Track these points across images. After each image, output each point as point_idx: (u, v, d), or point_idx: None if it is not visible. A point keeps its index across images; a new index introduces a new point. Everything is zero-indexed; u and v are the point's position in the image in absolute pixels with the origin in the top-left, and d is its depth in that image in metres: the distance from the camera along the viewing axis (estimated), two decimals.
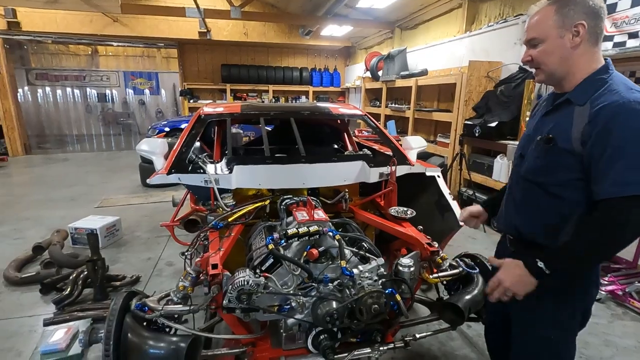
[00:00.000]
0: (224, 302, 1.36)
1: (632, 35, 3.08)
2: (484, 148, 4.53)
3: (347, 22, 7.77)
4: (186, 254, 1.74)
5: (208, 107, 2.59)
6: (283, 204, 1.92)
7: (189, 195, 2.59)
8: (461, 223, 1.78)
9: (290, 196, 1.97)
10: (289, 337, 1.59)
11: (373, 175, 2.16)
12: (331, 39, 9.42)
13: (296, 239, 1.57)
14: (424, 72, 5.86)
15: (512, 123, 4.05)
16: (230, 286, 1.35)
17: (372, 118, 2.67)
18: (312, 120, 2.91)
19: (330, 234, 1.61)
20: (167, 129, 6.96)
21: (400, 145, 2.54)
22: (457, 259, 1.82)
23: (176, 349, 1.34)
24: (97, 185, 5.95)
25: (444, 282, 1.79)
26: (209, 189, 2.01)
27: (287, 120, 2.40)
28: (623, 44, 3.17)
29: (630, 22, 3.08)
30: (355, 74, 9.76)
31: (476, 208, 1.63)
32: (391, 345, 1.62)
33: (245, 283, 1.34)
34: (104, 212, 4.31)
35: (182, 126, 7.35)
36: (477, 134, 4.28)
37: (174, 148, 2.20)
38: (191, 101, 9.60)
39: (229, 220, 1.82)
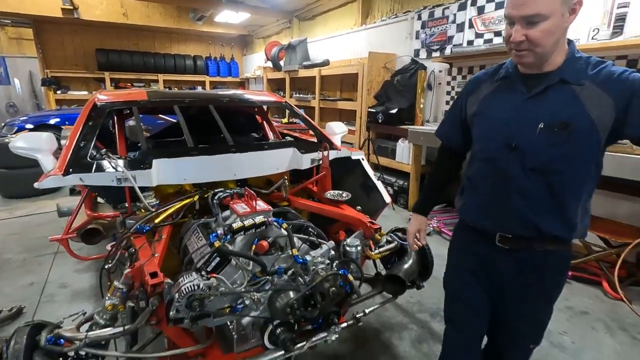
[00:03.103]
0: (172, 313, 1.18)
1: (497, 34, 3.71)
2: (386, 133, 4.92)
3: (243, 9, 7.46)
4: (106, 267, 1.45)
5: (102, 95, 2.19)
6: (216, 198, 1.76)
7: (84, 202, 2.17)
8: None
9: (222, 189, 1.81)
10: (241, 339, 1.48)
11: (305, 161, 2.14)
12: (227, 26, 8.94)
13: (242, 232, 1.46)
14: (326, 63, 6.04)
15: (409, 109, 4.49)
16: (177, 294, 1.18)
17: (293, 105, 2.64)
18: (230, 109, 2.72)
19: (276, 223, 1.54)
20: (29, 126, 5.71)
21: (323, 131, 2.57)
22: (391, 234, 1.95)
23: None
24: None
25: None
26: (120, 190, 1.71)
27: (201, 109, 2.18)
28: (490, 40, 3.79)
29: (495, 22, 3.69)
30: (255, 63, 9.51)
31: (419, 223, 1.48)
32: (345, 325, 1.65)
33: (196, 287, 1.19)
34: None
35: (51, 122, 6.10)
36: (380, 121, 4.63)
37: (66, 144, 1.80)
38: (58, 92, 8.03)
39: (156, 221, 1.58)
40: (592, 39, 2.88)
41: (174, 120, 3.22)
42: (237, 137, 2.65)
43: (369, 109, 4.80)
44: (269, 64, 7.68)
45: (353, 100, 5.40)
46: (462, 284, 1.33)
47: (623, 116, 1.00)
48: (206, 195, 1.80)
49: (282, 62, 7.09)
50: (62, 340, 1.17)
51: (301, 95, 6.65)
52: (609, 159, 2.34)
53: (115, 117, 2.28)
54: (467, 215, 1.30)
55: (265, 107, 2.88)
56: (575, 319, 2.35)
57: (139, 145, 2.62)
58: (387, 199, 2.27)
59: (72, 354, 1.16)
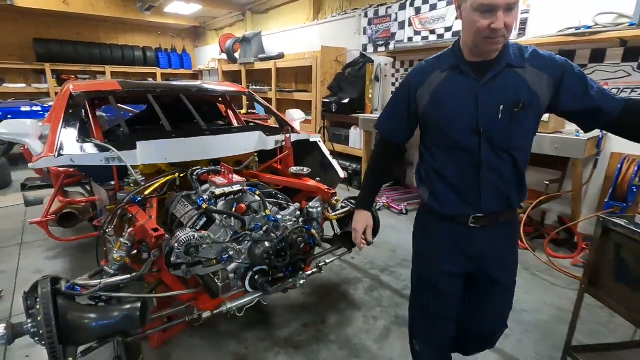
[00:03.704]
0: (173, 258, 1.47)
1: (432, 32, 4.24)
2: (340, 121, 5.34)
3: (194, 0, 7.46)
4: (107, 230, 1.68)
5: (76, 84, 2.33)
6: (195, 174, 2.03)
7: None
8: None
9: (200, 167, 2.09)
10: (225, 287, 1.79)
11: (270, 143, 2.46)
12: (177, 17, 8.82)
13: (223, 198, 1.76)
14: (281, 56, 6.31)
15: (359, 99, 4.93)
16: (177, 244, 1.47)
17: (256, 95, 2.93)
18: (197, 98, 2.95)
19: (250, 191, 1.86)
20: None
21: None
22: (345, 201, 2.35)
23: (129, 314, 1.39)
24: None
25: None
26: (107, 169, 1.92)
27: (169, 98, 2.38)
28: (427, 38, 4.32)
29: (430, 22, 4.23)
30: (208, 55, 9.49)
31: (366, 219, 1.45)
32: (310, 273, 2.02)
33: (192, 238, 1.49)
34: None
35: None
36: (334, 110, 5.04)
37: (50, 130, 1.96)
38: None
39: (146, 193, 1.83)
40: None
41: (137, 111, 3.36)
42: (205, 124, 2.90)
43: (324, 100, 5.19)
44: (224, 56, 7.76)
45: (308, 92, 5.75)
46: (445, 277, 1.33)
47: (556, 93, 1.15)
48: (182, 175, 2.06)
49: (237, 55, 7.23)
50: (78, 287, 1.41)
51: (258, 87, 6.87)
52: None
53: (88, 107, 2.42)
54: (438, 203, 1.28)
55: (229, 97, 3.13)
56: None
57: (112, 132, 2.77)
58: (342, 174, 2.67)
59: (88, 297, 1.41)
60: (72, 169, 1.94)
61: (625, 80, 2.91)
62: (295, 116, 2.91)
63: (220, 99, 3.18)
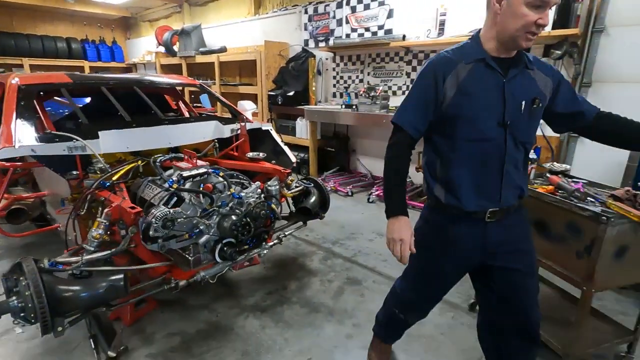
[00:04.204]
0: (151, 232, 1.63)
1: (367, 29, 4.66)
2: (286, 113, 5.57)
3: None
4: (81, 213, 1.77)
5: (22, 77, 2.29)
6: (158, 161, 2.16)
7: None
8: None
9: (162, 155, 2.22)
10: (196, 260, 1.98)
11: (227, 131, 2.65)
12: (105, 7, 8.29)
13: (191, 179, 1.94)
14: (223, 49, 6.35)
15: (304, 92, 5.22)
16: (154, 219, 1.64)
17: (208, 87, 3.07)
18: (149, 90, 3.00)
19: (214, 173, 2.06)
20: None
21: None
22: (299, 181, 2.64)
23: (113, 284, 1.54)
24: None
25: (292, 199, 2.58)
26: (69, 159, 1.98)
27: (121, 90, 2.43)
28: (362, 35, 4.74)
29: (365, 20, 4.64)
30: (142, 48, 9.07)
31: (410, 227, 1.28)
32: (272, 243, 2.28)
33: (168, 213, 1.67)
34: None
35: None
36: (280, 102, 5.27)
37: (3, 123, 1.95)
38: None
39: (114, 179, 1.94)
40: (427, 37, 4.01)
41: (80, 105, 3.29)
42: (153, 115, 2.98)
43: (269, 93, 5.39)
44: (161, 49, 7.53)
45: (253, 85, 5.90)
46: (456, 270, 1.41)
47: (553, 96, 1.28)
48: (144, 162, 2.18)
49: (176, 48, 7.08)
50: (60, 265, 1.52)
51: (200, 81, 6.81)
52: None
53: (35, 100, 2.39)
54: (457, 200, 1.27)
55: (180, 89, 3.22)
56: None
57: (60, 125, 2.73)
58: (293, 158, 2.94)
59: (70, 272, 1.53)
60: (19, 164, 1.96)
61: None
62: (246, 107, 3.12)
63: (168, 92, 3.25)
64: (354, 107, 4.39)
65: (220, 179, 2.06)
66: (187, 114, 3.17)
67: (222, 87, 6.39)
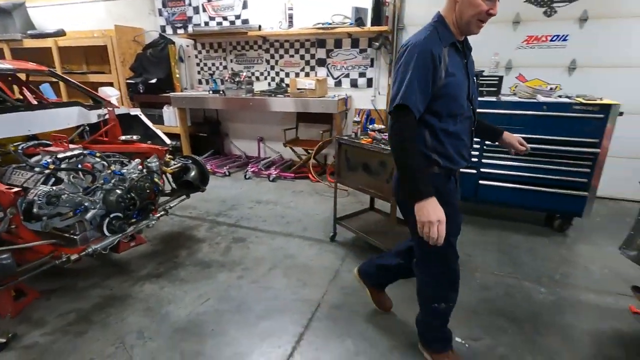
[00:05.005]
0: (35, 210, 1.70)
1: (224, 18, 4.94)
2: (150, 102, 5.41)
3: None
4: None
5: None
6: (20, 148, 2.11)
7: None
8: None
9: (25, 142, 2.16)
10: (82, 238, 2.08)
11: (93, 116, 2.65)
12: None
13: (66, 161, 2.02)
14: (61, 33, 5.61)
15: (167, 79, 5.19)
16: (36, 197, 1.71)
17: (59, 74, 2.92)
18: None
19: (90, 154, 2.17)
20: None
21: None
22: (178, 158, 2.87)
23: (2, 263, 1.59)
24: None
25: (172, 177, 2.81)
26: None
27: None
28: (220, 23, 5.00)
29: (222, 9, 4.91)
30: None
31: (440, 208, 1.28)
32: (159, 215, 2.49)
33: (51, 190, 1.76)
34: None
35: None
36: (142, 91, 5.12)
37: None
38: None
39: None
40: (280, 27, 4.57)
41: None
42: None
43: (128, 81, 5.15)
44: None
45: (106, 73, 5.48)
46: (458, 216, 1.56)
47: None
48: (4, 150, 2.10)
49: None
50: None
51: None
52: (296, 102, 4.06)
53: None
54: (451, 162, 1.43)
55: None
56: (297, 195, 4.07)
57: None
58: (168, 140, 3.12)
59: None
60: None
61: (354, 61, 4.49)
62: (109, 93, 3.11)
63: (10, 78, 2.94)
64: (221, 92, 4.68)
65: (98, 159, 2.18)
66: (33, 101, 2.94)
67: (67, 75, 5.68)
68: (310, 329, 1.98)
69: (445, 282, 1.59)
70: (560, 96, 3.06)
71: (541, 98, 2.97)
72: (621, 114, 2.73)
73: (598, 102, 2.77)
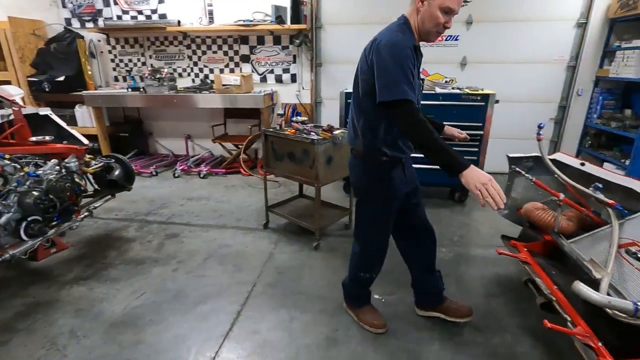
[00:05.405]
0: None
1: (140, 12, 4.75)
2: (59, 101, 4.97)
3: None
4: None
5: None
6: None
7: None
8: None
9: None
10: None
11: None
12: None
13: None
14: None
15: (77, 76, 4.82)
16: None
17: None
18: None
19: None
20: None
21: None
22: (100, 158, 2.79)
23: None
24: None
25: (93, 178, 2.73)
26: None
27: None
28: (135, 17, 4.79)
29: (136, 2, 4.71)
30: None
31: (482, 172, 1.31)
32: (82, 216, 2.43)
33: None
34: None
35: None
36: (48, 89, 4.69)
37: None
38: None
39: None
40: (200, 24, 4.55)
41: None
42: None
43: (29, 78, 4.68)
44: None
45: (2, 70, 4.89)
46: (403, 197, 1.75)
47: None
48: None
49: None
50: None
51: None
52: (223, 98, 4.11)
53: None
54: (399, 152, 1.62)
55: None
56: (230, 189, 4.15)
57: None
58: (85, 140, 2.99)
59: None
60: None
61: (277, 57, 4.67)
62: (12, 92, 2.85)
63: None
64: (141, 89, 4.51)
65: (7, 161, 2.07)
66: None
67: None
68: (247, 305, 2.15)
69: (376, 257, 1.87)
70: (454, 88, 3.61)
71: (438, 90, 3.48)
72: (497, 101, 3.33)
73: (480, 92, 3.34)
